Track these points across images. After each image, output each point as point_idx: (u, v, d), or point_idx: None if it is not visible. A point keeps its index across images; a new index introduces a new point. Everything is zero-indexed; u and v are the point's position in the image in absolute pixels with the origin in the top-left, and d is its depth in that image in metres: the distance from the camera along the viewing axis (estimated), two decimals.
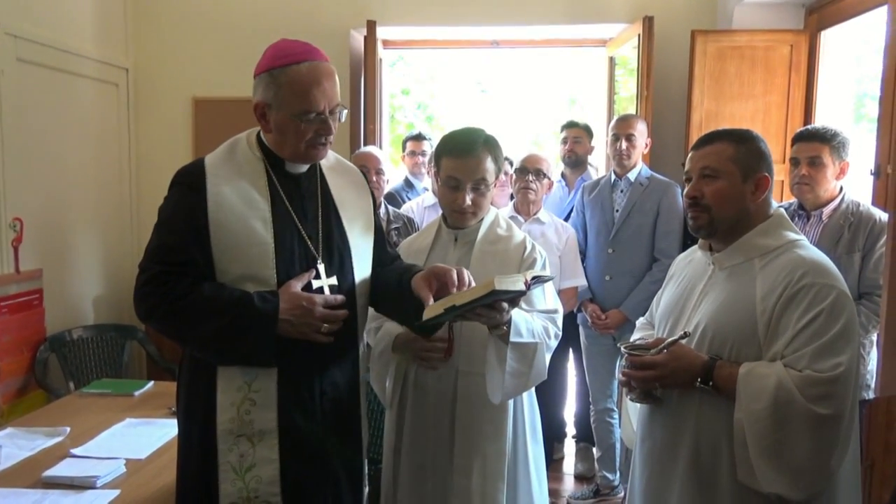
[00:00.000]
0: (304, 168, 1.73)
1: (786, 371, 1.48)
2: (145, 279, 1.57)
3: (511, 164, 3.40)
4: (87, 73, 3.77)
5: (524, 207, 3.17)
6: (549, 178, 3.20)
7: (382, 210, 3.12)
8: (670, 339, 1.63)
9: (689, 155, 1.71)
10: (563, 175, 3.88)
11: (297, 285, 1.61)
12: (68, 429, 2.23)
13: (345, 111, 1.67)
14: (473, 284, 1.63)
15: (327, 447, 1.69)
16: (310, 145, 1.63)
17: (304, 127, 1.60)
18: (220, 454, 1.60)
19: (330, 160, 1.81)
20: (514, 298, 1.66)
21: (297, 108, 1.58)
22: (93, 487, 1.86)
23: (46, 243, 3.44)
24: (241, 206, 1.60)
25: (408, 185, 4.01)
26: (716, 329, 1.60)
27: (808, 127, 2.74)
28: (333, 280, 1.69)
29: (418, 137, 4.13)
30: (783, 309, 1.52)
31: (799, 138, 2.62)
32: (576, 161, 3.85)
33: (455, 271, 1.63)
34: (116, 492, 1.84)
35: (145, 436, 2.21)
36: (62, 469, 1.94)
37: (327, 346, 1.63)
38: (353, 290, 1.73)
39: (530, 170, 3.12)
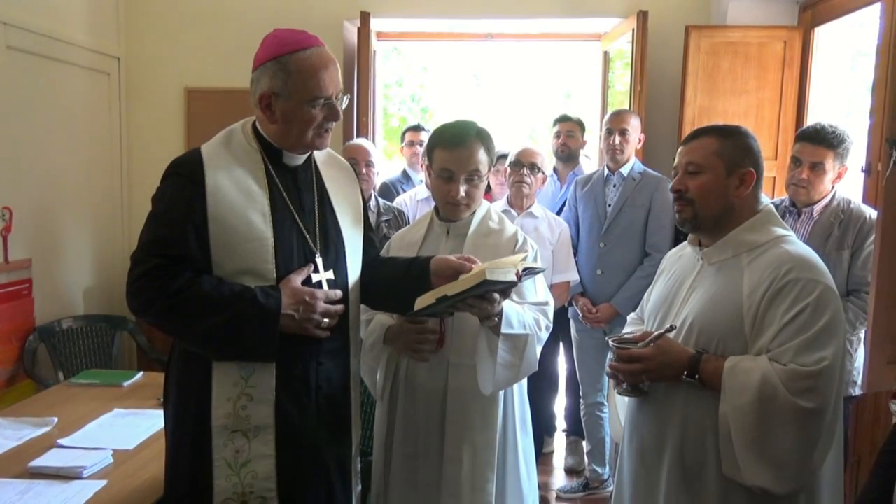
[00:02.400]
0: (301, 160, 1.71)
1: (771, 365, 1.49)
2: (140, 272, 1.52)
3: (506, 157, 3.40)
4: (79, 62, 3.74)
5: (517, 201, 3.16)
6: (544, 173, 3.20)
7: (373, 202, 3.12)
8: (657, 333, 1.64)
9: (678, 150, 1.72)
10: (554, 169, 3.88)
11: (297, 280, 1.60)
12: (55, 419, 2.22)
13: (346, 98, 1.66)
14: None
15: (321, 441, 1.69)
16: (316, 133, 1.62)
17: (315, 113, 1.59)
18: (214, 450, 1.59)
19: (322, 153, 1.80)
20: (506, 289, 1.66)
21: (308, 94, 1.57)
22: (79, 478, 1.85)
23: (36, 233, 3.42)
24: (240, 199, 1.58)
25: (405, 176, 3.99)
26: (703, 324, 1.61)
27: (818, 126, 2.56)
28: (331, 274, 1.68)
29: (417, 128, 4.12)
30: (769, 304, 1.53)
31: (806, 138, 2.54)
32: (568, 155, 3.84)
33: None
34: (103, 482, 1.84)
35: (133, 426, 2.20)
36: (48, 459, 1.93)
37: (322, 340, 1.63)
38: (347, 284, 1.73)
39: (525, 163, 3.11)
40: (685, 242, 1.82)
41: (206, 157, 1.60)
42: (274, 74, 1.57)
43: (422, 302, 1.59)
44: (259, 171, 1.63)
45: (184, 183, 1.58)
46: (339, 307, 1.65)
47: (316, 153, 1.76)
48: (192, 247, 1.54)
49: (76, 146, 3.74)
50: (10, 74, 3.22)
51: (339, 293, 1.66)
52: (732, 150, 1.64)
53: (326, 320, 1.61)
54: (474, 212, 2.00)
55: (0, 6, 3.14)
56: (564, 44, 5.27)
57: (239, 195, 1.59)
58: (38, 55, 3.41)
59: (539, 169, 3.14)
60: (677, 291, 1.73)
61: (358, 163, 2.99)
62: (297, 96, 1.57)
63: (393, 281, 1.78)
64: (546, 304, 1.94)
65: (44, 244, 3.49)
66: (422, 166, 3.77)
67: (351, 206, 1.81)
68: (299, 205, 1.68)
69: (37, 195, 3.43)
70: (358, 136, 3.91)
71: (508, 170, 3.19)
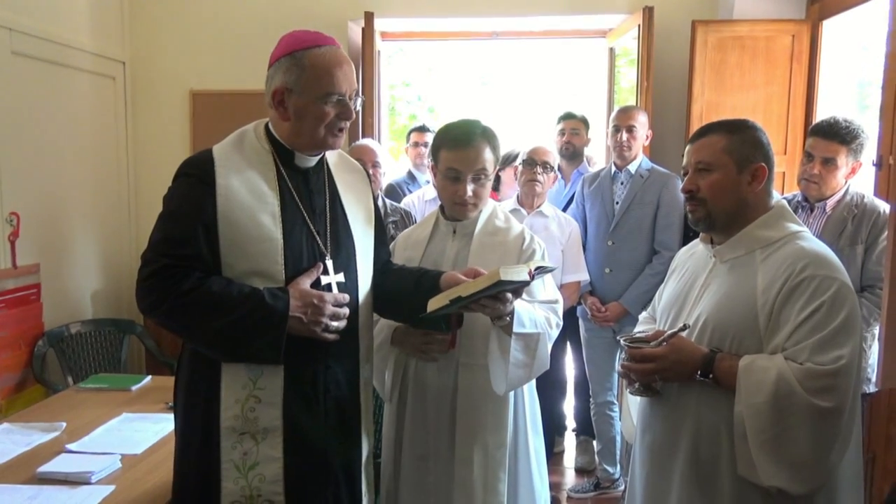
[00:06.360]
0: (313, 162, 1.71)
1: (786, 364, 1.46)
2: (150, 272, 1.52)
3: (517, 156, 3.38)
4: (83, 67, 3.74)
5: (528, 200, 3.14)
6: (555, 172, 3.18)
7: (379, 203, 3.10)
8: (670, 332, 1.62)
9: (686, 149, 1.70)
10: (558, 167, 3.86)
11: (306, 282, 1.59)
12: (64, 424, 2.22)
13: (360, 99, 1.66)
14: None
15: (329, 445, 1.68)
16: (329, 131, 1.61)
17: (327, 109, 1.58)
18: (222, 452, 1.58)
19: (334, 156, 1.79)
20: (518, 289, 1.66)
21: (321, 90, 1.57)
22: (87, 483, 1.84)
23: (44, 238, 3.43)
24: (251, 200, 1.58)
25: (410, 177, 3.98)
26: (716, 322, 1.59)
27: (831, 121, 2.51)
28: (341, 277, 1.67)
29: (422, 129, 4.10)
30: (784, 301, 1.50)
31: (819, 132, 2.50)
32: (573, 153, 3.82)
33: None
34: (111, 487, 1.83)
35: (141, 431, 2.19)
36: (57, 465, 1.92)
37: (331, 343, 1.62)
38: (357, 287, 1.72)
39: (538, 162, 3.10)
40: (697, 240, 1.80)
41: (218, 157, 1.60)
42: (288, 70, 1.58)
43: (435, 303, 1.59)
44: (270, 173, 1.63)
45: (194, 183, 1.57)
46: (347, 310, 1.63)
47: (328, 156, 1.75)
48: (201, 247, 1.54)
49: (82, 150, 3.75)
50: (16, 80, 3.22)
51: (346, 297, 1.64)
52: (741, 145, 1.61)
53: (335, 324, 1.60)
54: (480, 211, 1.98)
55: (5, 12, 3.14)
56: (570, 41, 5.24)
57: (249, 196, 1.58)
58: (43, 60, 3.41)
59: (551, 168, 3.13)
60: (690, 289, 1.71)
61: (364, 164, 2.96)
62: (310, 92, 1.57)
63: (403, 293, 1.77)
64: (556, 301, 1.94)
65: (51, 249, 3.49)
66: (429, 168, 3.77)
67: (363, 209, 1.80)
68: (310, 207, 1.67)
69: (44, 200, 3.44)
70: (363, 136, 3.90)
71: (519, 168, 3.18)
